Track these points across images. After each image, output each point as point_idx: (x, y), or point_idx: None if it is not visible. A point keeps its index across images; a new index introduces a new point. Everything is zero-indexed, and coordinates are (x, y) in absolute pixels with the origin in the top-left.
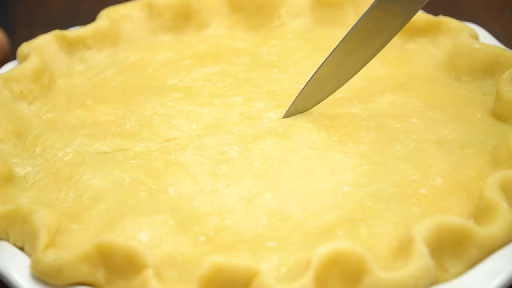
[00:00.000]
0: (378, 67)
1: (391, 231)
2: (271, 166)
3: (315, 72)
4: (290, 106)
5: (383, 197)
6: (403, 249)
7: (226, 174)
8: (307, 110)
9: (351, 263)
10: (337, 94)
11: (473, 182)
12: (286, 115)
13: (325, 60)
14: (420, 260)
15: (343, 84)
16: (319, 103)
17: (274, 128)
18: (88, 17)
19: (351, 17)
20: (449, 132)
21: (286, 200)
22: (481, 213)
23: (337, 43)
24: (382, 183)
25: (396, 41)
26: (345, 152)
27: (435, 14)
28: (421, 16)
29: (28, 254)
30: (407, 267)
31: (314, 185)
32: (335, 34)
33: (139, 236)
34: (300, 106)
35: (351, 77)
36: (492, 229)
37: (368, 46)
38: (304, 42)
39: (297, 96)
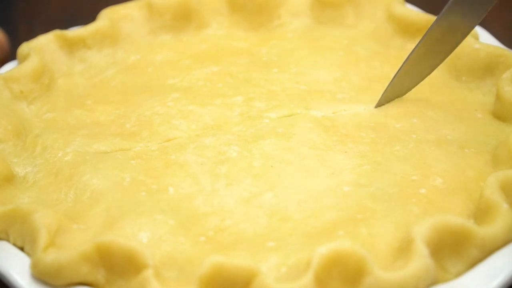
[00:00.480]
0: (378, 67)
1: (391, 231)
2: (271, 166)
3: (403, 63)
4: (381, 96)
5: (383, 197)
6: (403, 249)
7: (226, 174)
8: (392, 100)
9: (351, 263)
10: (338, 94)
11: (473, 182)
12: (378, 105)
13: (413, 50)
14: (420, 260)
15: (430, 73)
16: (404, 93)
17: (274, 128)
18: (88, 17)
19: (351, 17)
20: (449, 132)
21: (286, 200)
22: (481, 213)
23: (337, 43)
24: (382, 183)
25: (396, 41)
26: (345, 152)
27: (435, 14)
28: (421, 16)
29: (28, 254)
30: (407, 267)
31: (314, 185)
32: (335, 34)
33: (139, 236)
34: (390, 96)
35: (436, 67)
36: (492, 229)
37: (451, 36)
38: (304, 42)
39: (387, 86)
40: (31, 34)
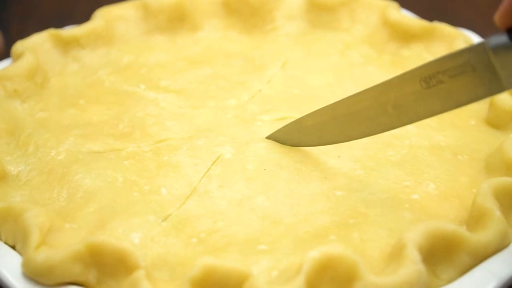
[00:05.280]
0: (372, 72)
1: (383, 237)
2: (264, 169)
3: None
4: (278, 129)
5: (375, 202)
6: (395, 254)
7: (219, 176)
8: (286, 144)
9: (342, 268)
10: (332, 99)
11: (466, 189)
12: (270, 137)
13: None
14: (411, 266)
15: (342, 141)
16: (300, 145)
17: (268, 131)
18: (82, 17)
19: (346, 22)
20: (443, 138)
21: (279, 204)
22: (473, 220)
23: (331, 47)
24: (375, 188)
25: (391, 46)
26: (339, 156)
27: (430, 20)
28: (416, 22)
29: (20, 253)
30: (398, 273)
31: (306, 189)
32: (330, 39)
33: (131, 236)
34: (284, 136)
35: (355, 138)
36: (484, 236)
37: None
38: (298, 46)
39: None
40: (25, 32)
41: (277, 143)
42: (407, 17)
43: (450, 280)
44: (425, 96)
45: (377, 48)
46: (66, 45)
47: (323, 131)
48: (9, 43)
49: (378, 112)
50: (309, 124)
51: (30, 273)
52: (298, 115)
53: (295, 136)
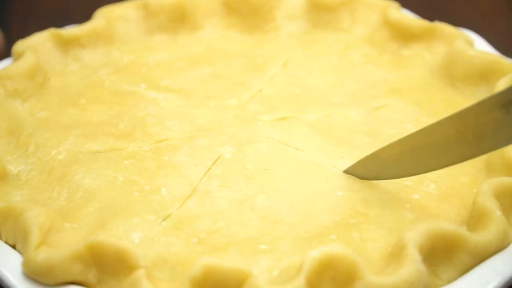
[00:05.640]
0: (372, 72)
1: (383, 236)
2: (265, 169)
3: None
4: (356, 163)
5: (376, 202)
6: (395, 254)
7: (219, 176)
8: (364, 178)
9: (343, 268)
10: (332, 98)
11: (466, 189)
12: (347, 171)
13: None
14: (412, 266)
15: (417, 173)
16: (379, 178)
17: (268, 131)
18: (83, 16)
19: (346, 21)
20: None
21: (279, 203)
22: (474, 220)
23: (332, 47)
24: (375, 189)
25: (391, 46)
26: (341, 157)
27: (431, 20)
28: (416, 22)
29: (20, 252)
30: (398, 272)
31: (307, 189)
32: (330, 38)
33: (131, 236)
34: (361, 169)
35: (435, 169)
36: (484, 236)
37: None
38: (299, 45)
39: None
40: (25, 31)
41: (277, 143)
42: (408, 17)
43: (450, 280)
44: (506, 123)
45: (378, 48)
46: (66, 45)
47: (401, 162)
48: (10, 43)
49: (458, 141)
50: (387, 156)
51: (30, 273)
52: (298, 115)
53: (373, 168)
